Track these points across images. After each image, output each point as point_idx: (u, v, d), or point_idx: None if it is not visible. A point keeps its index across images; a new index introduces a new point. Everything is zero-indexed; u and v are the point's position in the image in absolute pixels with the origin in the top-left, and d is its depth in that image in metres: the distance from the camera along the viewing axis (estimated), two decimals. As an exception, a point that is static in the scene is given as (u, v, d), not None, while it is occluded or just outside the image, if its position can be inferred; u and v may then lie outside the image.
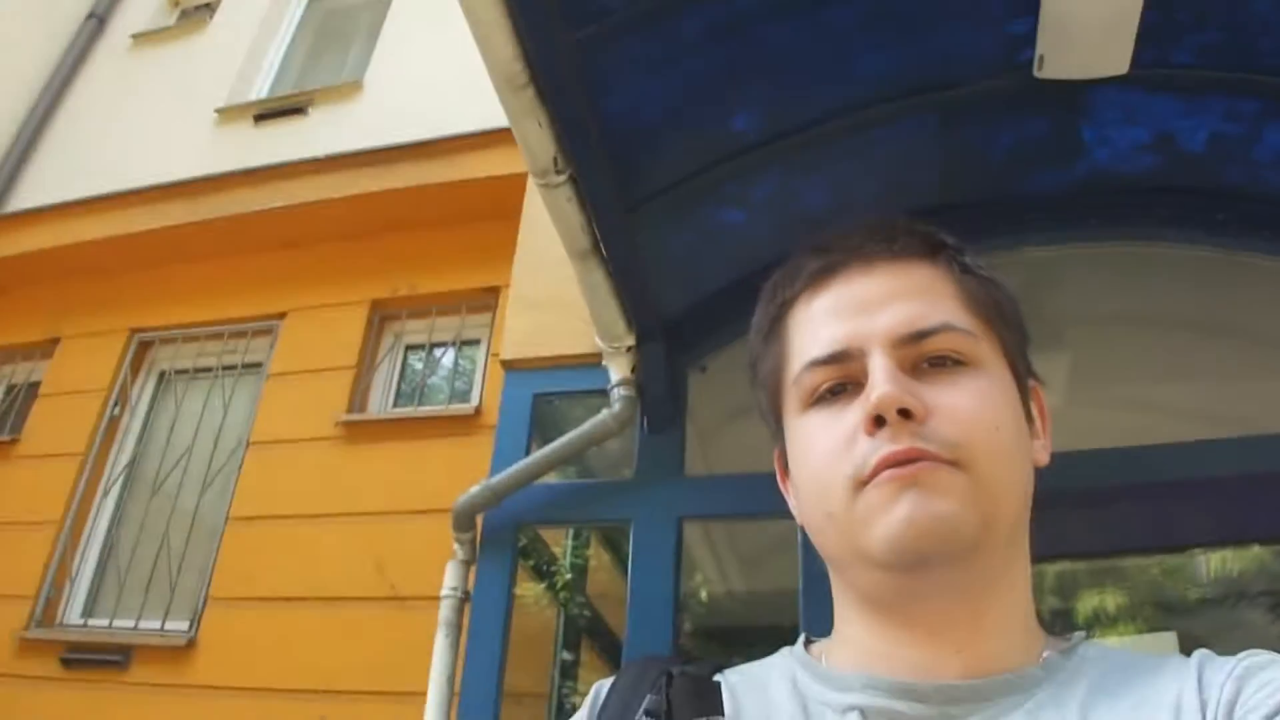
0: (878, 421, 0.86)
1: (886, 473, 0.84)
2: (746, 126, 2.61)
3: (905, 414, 0.85)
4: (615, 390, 2.94)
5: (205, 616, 4.93)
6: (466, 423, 4.94)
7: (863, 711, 0.86)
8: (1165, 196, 2.90)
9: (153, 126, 6.81)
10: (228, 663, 4.76)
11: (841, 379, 0.91)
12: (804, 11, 2.40)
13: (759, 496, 3.05)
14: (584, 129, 2.31)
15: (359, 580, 4.70)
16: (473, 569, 3.11)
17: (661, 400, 2.98)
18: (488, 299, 5.26)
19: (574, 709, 1.04)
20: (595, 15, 2.20)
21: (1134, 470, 2.86)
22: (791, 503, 1.03)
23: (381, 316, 5.58)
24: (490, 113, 5.16)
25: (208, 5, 7.74)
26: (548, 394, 3.32)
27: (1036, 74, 2.55)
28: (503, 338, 3.50)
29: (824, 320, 0.95)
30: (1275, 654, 0.83)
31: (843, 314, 0.94)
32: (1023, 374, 0.98)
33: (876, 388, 0.86)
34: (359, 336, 5.43)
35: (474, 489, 3.04)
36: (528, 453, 3.11)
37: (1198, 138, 2.75)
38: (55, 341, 6.25)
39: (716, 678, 0.98)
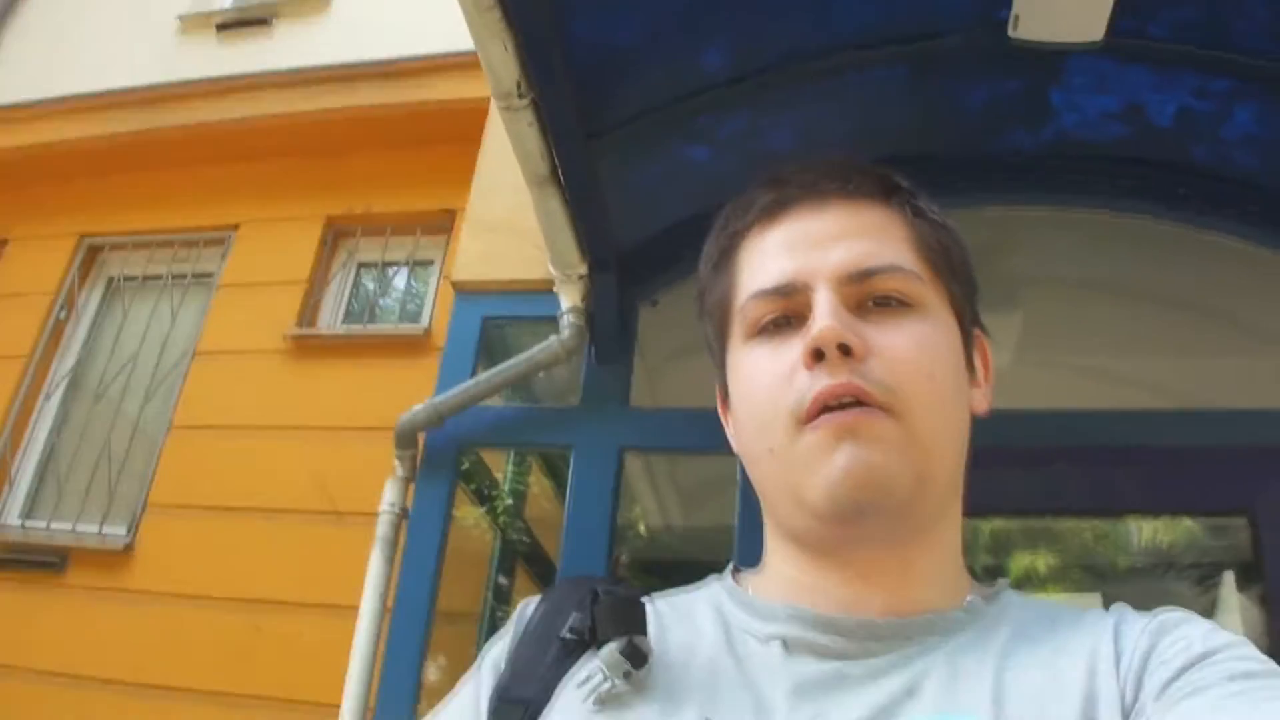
0: (817, 355, 0.86)
1: (824, 417, 0.85)
2: (717, 62, 2.55)
3: (845, 350, 0.85)
4: (565, 318, 2.90)
5: (144, 523, 4.91)
6: (415, 344, 4.90)
7: (785, 641, 0.88)
8: (1130, 167, 2.88)
9: (113, 31, 6.62)
10: (165, 569, 4.74)
11: (786, 312, 0.92)
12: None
13: (701, 431, 3.02)
14: (550, 54, 2.25)
15: (299, 494, 4.69)
16: (412, 487, 3.06)
17: (611, 331, 2.94)
18: (443, 221, 5.20)
19: None
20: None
21: (1075, 434, 2.86)
22: (730, 433, 1.03)
23: (336, 233, 5.50)
24: (457, 34, 5.09)
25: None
26: (497, 318, 3.28)
27: (1010, 34, 2.50)
28: (455, 259, 3.42)
29: (773, 253, 0.95)
30: (1189, 612, 0.84)
31: (792, 248, 0.94)
32: (968, 322, 0.99)
33: (818, 322, 0.86)
34: (312, 252, 5.36)
35: (417, 407, 3.00)
36: (474, 375, 3.06)
37: (1166, 111, 2.73)
38: (3, 243, 6.14)
39: (643, 602, 0.97)
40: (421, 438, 3.07)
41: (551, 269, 2.87)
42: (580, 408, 3.04)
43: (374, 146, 5.42)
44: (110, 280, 5.88)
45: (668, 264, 2.98)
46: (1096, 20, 2.45)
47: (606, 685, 0.86)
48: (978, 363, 1.01)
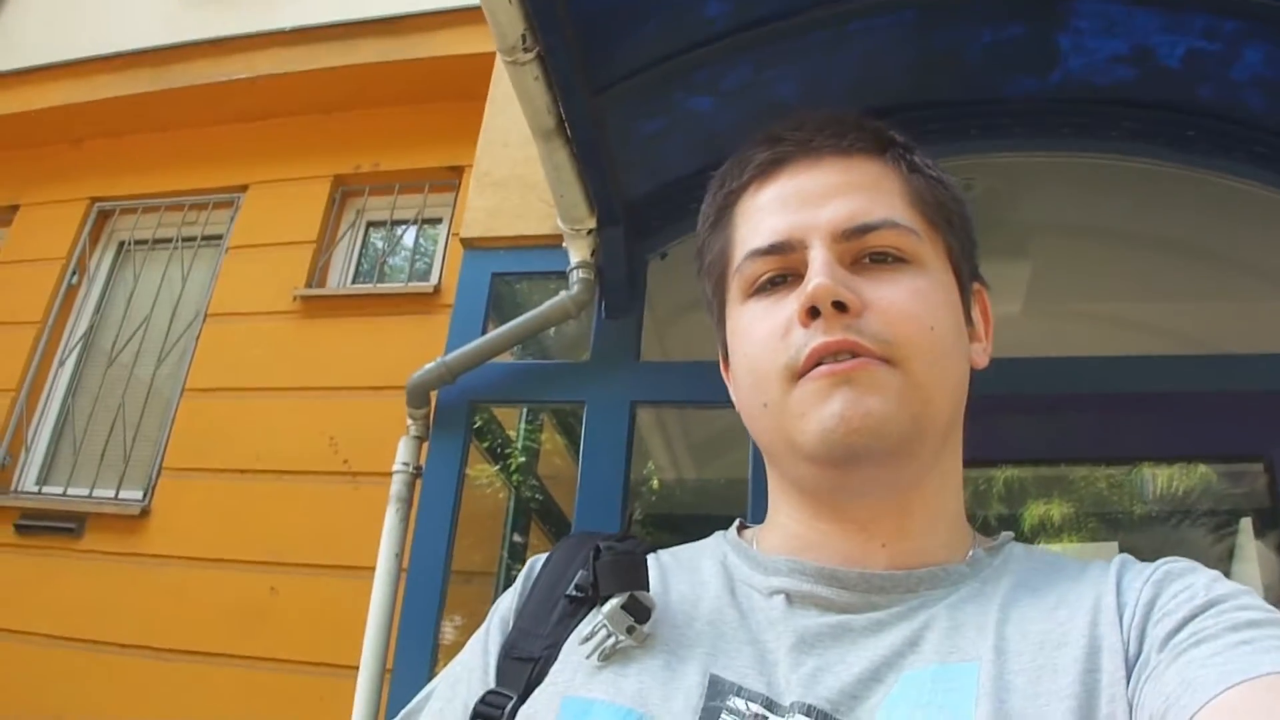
0: (812, 313, 0.87)
1: (821, 368, 0.86)
2: (719, 12, 2.54)
3: (841, 307, 0.86)
4: (574, 273, 2.91)
5: (159, 486, 4.93)
6: (425, 301, 4.90)
7: (788, 595, 0.89)
8: (1138, 110, 2.86)
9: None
10: (180, 532, 4.77)
11: (782, 270, 0.93)
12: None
13: (712, 384, 3.03)
14: (554, 6, 2.25)
15: (313, 455, 4.71)
16: (425, 445, 3.09)
17: (620, 285, 2.95)
18: (451, 178, 5.20)
19: None
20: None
21: (1086, 380, 2.87)
22: (731, 391, 1.03)
23: (344, 192, 5.49)
24: None
25: None
26: (506, 274, 3.28)
27: (1018, -28, 2.49)
28: (463, 216, 3.43)
29: (768, 211, 0.96)
30: (1192, 561, 0.85)
31: (787, 205, 0.94)
32: (965, 276, 0.99)
33: (812, 279, 0.87)
34: (320, 211, 5.35)
35: (429, 365, 3.02)
36: (484, 332, 3.08)
37: (1175, 53, 2.71)
38: (14, 209, 6.13)
39: (649, 557, 1.01)
40: (434, 396, 3.09)
41: (560, 223, 2.87)
42: (591, 363, 3.05)
43: (379, 104, 5.40)
44: (121, 244, 5.89)
45: (675, 217, 2.98)
46: (1105, -41, 2.44)
47: (610, 640, 0.88)
48: (977, 317, 1.02)
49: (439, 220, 5.28)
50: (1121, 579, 0.84)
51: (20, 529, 5.00)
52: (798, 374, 0.88)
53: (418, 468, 3.08)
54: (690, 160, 2.86)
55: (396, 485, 3.04)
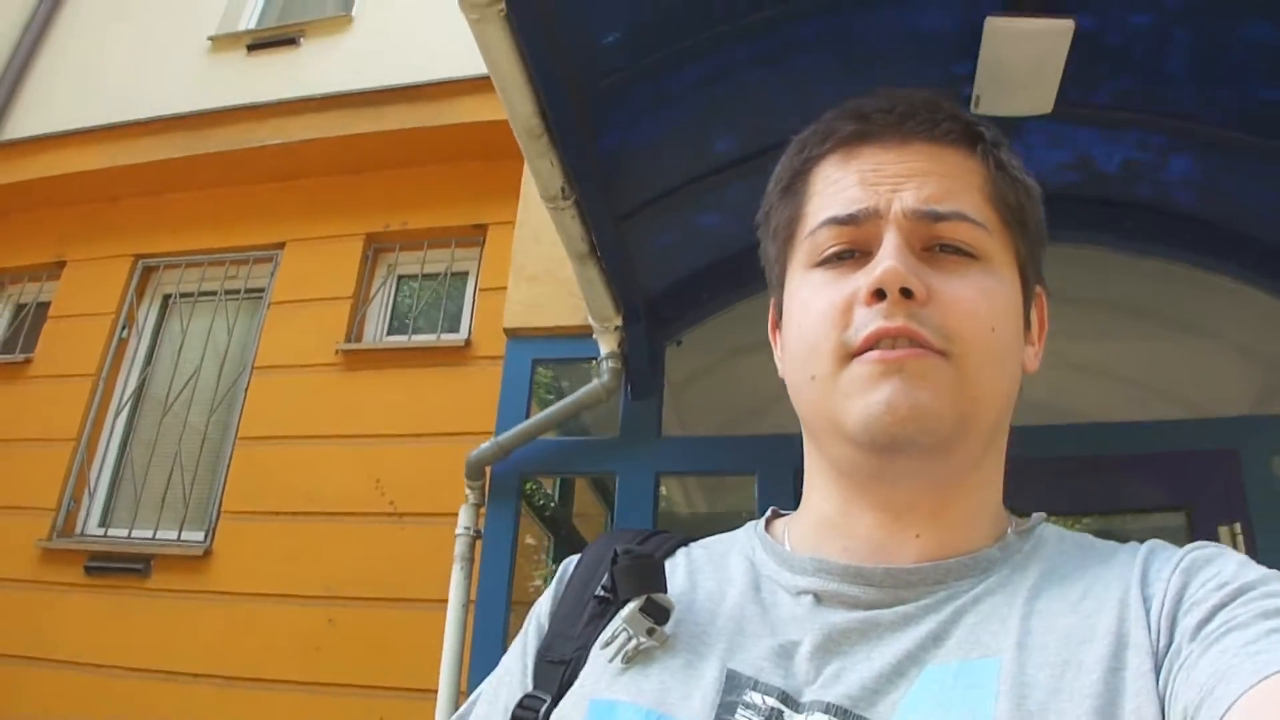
0: (878, 294, 0.87)
1: (875, 353, 0.87)
2: (725, 148, 3.04)
3: (907, 294, 0.87)
4: (604, 363, 3.43)
5: (219, 528, 5.46)
6: (457, 353, 5.44)
7: (817, 595, 0.90)
8: (1083, 206, 3.36)
9: (146, 52, 7.13)
10: (242, 571, 5.31)
11: (852, 244, 0.93)
12: (778, 60, 2.84)
13: (725, 456, 3.63)
14: (588, 164, 2.75)
15: (360, 497, 5.24)
16: (482, 511, 3.62)
17: (643, 370, 3.47)
18: (476, 235, 5.74)
19: None
20: (605, 73, 2.62)
21: (1037, 447, 3.36)
22: (778, 355, 1.05)
23: (376, 249, 6.02)
24: (472, 54, 5.57)
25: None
26: (544, 359, 3.81)
27: (973, 110, 2.98)
28: (505, 307, 3.96)
29: (849, 183, 0.95)
30: (1219, 545, 0.85)
31: (868, 181, 0.94)
32: (1030, 279, 1.00)
33: (884, 261, 0.88)
34: (355, 268, 5.88)
35: (484, 445, 3.56)
36: (528, 410, 3.61)
37: (1113, 161, 3.22)
38: (61, 264, 6.64)
39: (680, 551, 1.06)
40: (489, 470, 3.62)
41: (591, 321, 3.40)
42: (620, 439, 3.61)
43: (406, 165, 5.92)
44: (166, 297, 6.43)
45: (688, 309, 3.51)
46: (1046, 97, 2.94)
47: (631, 643, 0.90)
48: (1034, 320, 1.02)
49: (466, 274, 5.79)
50: (1148, 569, 0.84)
51: (90, 570, 5.54)
52: (852, 353, 0.88)
53: (477, 531, 3.62)
54: (699, 260, 3.38)
55: (460, 547, 3.59)
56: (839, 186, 0.96)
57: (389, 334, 5.82)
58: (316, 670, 4.90)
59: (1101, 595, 0.82)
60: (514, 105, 2.58)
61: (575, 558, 1.09)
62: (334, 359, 5.62)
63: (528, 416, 3.59)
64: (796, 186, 1.01)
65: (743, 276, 3.29)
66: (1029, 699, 0.74)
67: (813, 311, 0.93)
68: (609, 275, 3.15)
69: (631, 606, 0.91)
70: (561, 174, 2.75)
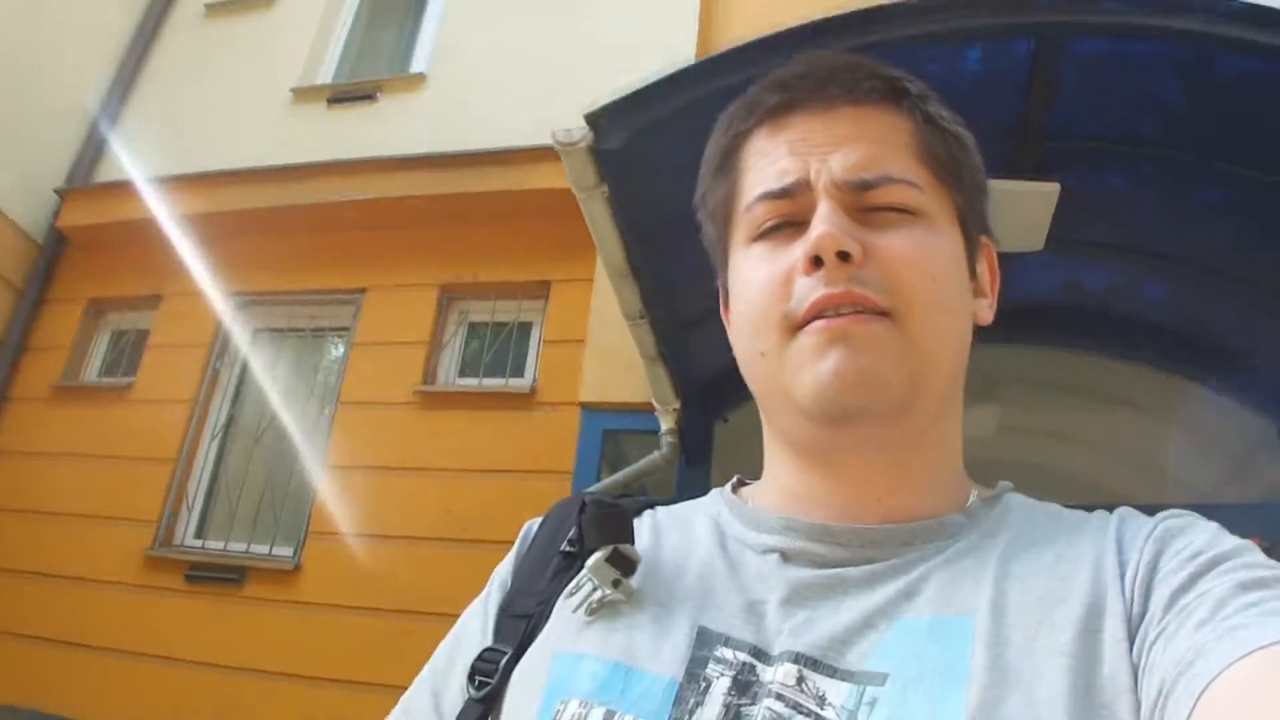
0: (816, 262, 0.87)
1: (819, 322, 0.86)
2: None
3: (844, 256, 0.86)
4: (664, 438, 4.14)
5: (307, 546, 6.23)
6: (523, 399, 6.18)
7: (783, 553, 0.90)
8: (1074, 318, 4.02)
9: (231, 103, 7.89)
10: (327, 585, 6.06)
11: (788, 216, 0.92)
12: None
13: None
14: (660, 293, 3.47)
15: (434, 523, 5.98)
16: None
17: (696, 444, 4.17)
18: (540, 290, 6.47)
19: None
20: (674, 225, 3.31)
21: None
22: (730, 335, 1.04)
23: (449, 297, 6.78)
24: (542, 113, 6.32)
25: (272, -28, 8.67)
26: (614, 429, 4.50)
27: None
28: (580, 383, 4.65)
29: (779, 155, 0.95)
30: (1193, 514, 0.85)
31: (796, 151, 0.94)
32: (973, 230, 0.99)
33: (816, 228, 0.87)
34: (430, 314, 6.65)
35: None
36: (599, 473, 4.30)
37: (1097, 283, 3.89)
38: (158, 297, 7.41)
39: (646, 513, 1.05)
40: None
41: (654, 402, 4.11)
42: (675, 500, 4.29)
43: (478, 222, 6.65)
44: (256, 331, 7.19)
45: (733, 390, 4.21)
46: (1038, 238, 3.63)
47: (597, 594, 0.91)
48: (983, 272, 1.02)
49: (531, 324, 6.53)
50: (1122, 536, 0.84)
51: (190, 578, 6.31)
52: (797, 325, 0.88)
53: (553, 572, 4.33)
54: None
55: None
56: (769, 159, 0.96)
57: (460, 376, 6.57)
58: (394, 675, 5.52)
59: (1075, 560, 0.82)
60: (607, 253, 3.29)
61: (539, 518, 1.10)
62: (411, 398, 6.37)
63: (599, 479, 4.28)
64: (728, 164, 1.01)
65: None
66: (1004, 655, 0.75)
67: (755, 286, 0.93)
68: (671, 370, 3.85)
69: (598, 556, 0.91)
70: (640, 300, 3.47)
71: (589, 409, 4.45)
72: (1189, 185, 3.43)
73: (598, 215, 3.10)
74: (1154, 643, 0.72)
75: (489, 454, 5.99)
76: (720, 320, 3.77)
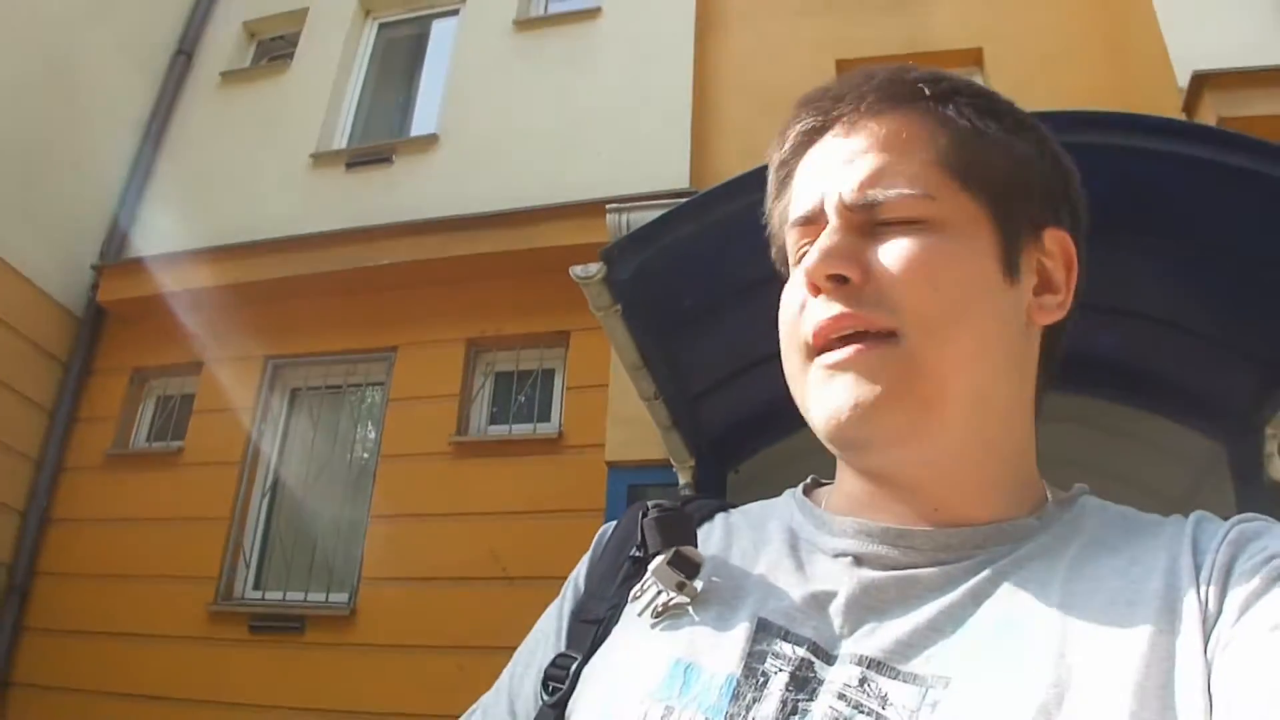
0: (815, 288, 0.90)
1: (824, 355, 0.89)
2: (768, 349, 4.39)
3: (840, 279, 0.88)
4: (682, 491, 4.78)
5: (361, 592, 6.89)
6: (551, 443, 6.87)
7: (856, 557, 0.91)
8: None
9: (253, 170, 8.55)
10: (383, 627, 6.71)
11: (814, 239, 0.94)
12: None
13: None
14: (670, 380, 4.10)
15: (478, 565, 6.64)
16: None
17: (712, 494, 4.81)
18: (561, 340, 7.14)
19: None
20: (680, 324, 3.97)
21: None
22: None
23: (476, 350, 7.45)
24: (550, 168, 6.96)
25: (283, 38, 9.42)
26: (638, 484, 5.16)
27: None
28: (606, 444, 5.31)
29: (805, 181, 0.98)
30: (1268, 519, 0.85)
31: (816, 175, 0.96)
32: (1014, 227, 0.95)
33: (810, 254, 0.90)
34: (459, 368, 7.33)
35: (590, 554, 4.94)
36: (624, 527, 4.97)
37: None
38: (199, 364, 8.06)
39: (719, 515, 1.09)
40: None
41: (671, 460, 4.76)
42: (693, 545, 4.98)
43: (499, 278, 7.31)
44: (294, 390, 7.88)
45: (742, 445, 4.86)
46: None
47: (661, 597, 0.94)
48: (1051, 265, 0.98)
49: (554, 370, 7.21)
50: (1198, 538, 0.84)
51: (254, 628, 6.99)
52: (812, 351, 0.91)
53: (590, 620, 5.00)
54: (748, 412, 4.71)
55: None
56: (799, 187, 0.99)
57: (491, 425, 7.25)
58: (449, 707, 6.15)
59: (1149, 563, 0.82)
60: (623, 353, 3.94)
61: (612, 524, 1.13)
62: (447, 448, 7.05)
63: (626, 531, 4.95)
64: (779, 192, 1.04)
65: (780, 420, 4.59)
66: (1069, 655, 0.75)
67: (783, 312, 0.96)
68: (684, 435, 4.51)
69: (659, 560, 0.94)
70: (654, 385, 4.12)
71: (614, 467, 5.09)
72: (1123, 257, 4.02)
73: (614, 328, 3.74)
74: (1228, 645, 0.73)
75: (524, 496, 6.64)
76: (723, 388, 4.54)
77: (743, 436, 4.81)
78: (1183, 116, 5.67)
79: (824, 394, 0.88)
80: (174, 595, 7.19)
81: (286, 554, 7.33)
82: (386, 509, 7.04)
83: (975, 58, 7.27)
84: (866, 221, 0.91)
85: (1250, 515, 0.86)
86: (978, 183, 0.93)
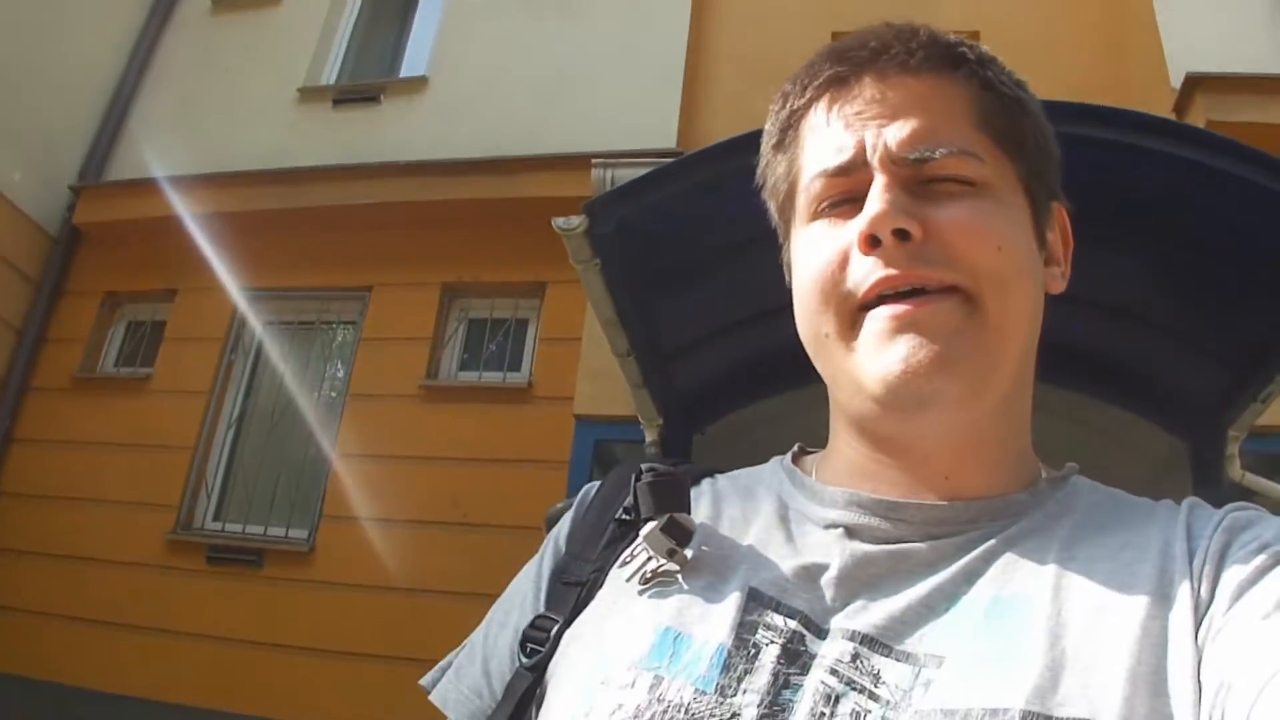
0: (873, 241, 0.86)
1: (884, 308, 0.86)
2: (743, 313, 4.39)
3: (902, 235, 0.85)
4: (648, 448, 4.80)
5: (321, 529, 6.95)
6: (521, 393, 6.92)
7: (848, 529, 0.90)
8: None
9: (239, 100, 8.55)
10: (341, 565, 6.78)
11: (846, 191, 0.91)
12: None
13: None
14: (644, 336, 4.11)
15: (438, 509, 6.70)
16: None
17: (677, 453, 4.82)
18: (536, 289, 7.15)
19: None
20: (654, 280, 3.99)
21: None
22: (796, 313, 0.99)
23: (451, 295, 7.47)
24: (537, 117, 6.93)
25: (275, -32, 9.24)
26: (604, 439, 5.19)
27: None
28: (575, 397, 5.34)
29: (835, 131, 0.93)
30: (1259, 508, 0.86)
31: (853, 125, 0.92)
32: (1040, 196, 0.97)
33: (872, 206, 0.87)
34: (433, 313, 7.36)
35: (560, 503, 4.92)
36: (590, 477, 5.00)
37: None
38: (173, 291, 8.06)
39: (705, 480, 1.07)
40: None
41: (640, 418, 4.78)
42: (658, 505, 5.03)
43: (478, 224, 7.32)
44: (267, 324, 7.85)
45: (710, 406, 4.88)
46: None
47: (651, 564, 0.92)
48: (1055, 239, 1.00)
49: (528, 321, 7.23)
50: (1191, 525, 0.84)
51: (211, 559, 7.03)
52: (859, 305, 0.87)
53: (553, 564, 5.05)
54: (719, 371, 4.73)
55: (536, 580, 5.01)
56: (826, 135, 0.94)
57: (461, 370, 7.26)
58: (403, 648, 6.23)
59: (1142, 546, 0.83)
60: (599, 308, 3.94)
61: (596, 483, 1.12)
62: (416, 391, 7.09)
63: (589, 483, 4.99)
64: (787, 140, 1.00)
65: (748, 382, 4.63)
66: (1063, 638, 0.75)
67: (814, 267, 0.91)
68: (654, 394, 4.54)
69: (652, 525, 0.92)
70: (627, 342, 4.13)
71: (582, 420, 5.12)
72: (1100, 249, 4.05)
73: (591, 282, 3.74)
74: (1219, 632, 0.73)
75: (489, 444, 6.70)
76: (696, 350, 4.56)
77: (711, 399, 4.83)
78: (1173, 116, 5.71)
79: (888, 348, 0.85)
80: (133, 522, 7.25)
81: (249, 487, 7.36)
82: (351, 448, 7.07)
83: (971, 40, 7.24)
84: (912, 177, 0.89)
85: (1243, 504, 0.87)
86: (1016, 151, 0.94)
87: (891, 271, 0.85)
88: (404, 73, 8.56)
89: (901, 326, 0.84)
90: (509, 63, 7.94)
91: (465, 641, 1.10)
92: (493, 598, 1.11)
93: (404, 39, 8.88)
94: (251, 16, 9.05)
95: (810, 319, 0.93)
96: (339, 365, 7.62)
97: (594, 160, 4.39)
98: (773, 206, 1.05)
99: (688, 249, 4.05)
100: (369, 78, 8.60)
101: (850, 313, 0.88)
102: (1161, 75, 6.08)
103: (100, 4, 8.76)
